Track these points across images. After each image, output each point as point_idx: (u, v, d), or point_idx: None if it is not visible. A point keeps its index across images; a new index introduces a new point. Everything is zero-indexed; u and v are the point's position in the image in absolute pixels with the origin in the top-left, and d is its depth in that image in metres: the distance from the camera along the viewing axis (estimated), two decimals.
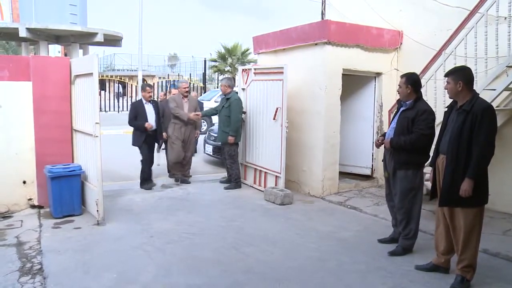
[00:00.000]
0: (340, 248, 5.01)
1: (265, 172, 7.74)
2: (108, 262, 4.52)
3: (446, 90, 4.17)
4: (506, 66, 5.66)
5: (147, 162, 7.84)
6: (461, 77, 3.97)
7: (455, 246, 4.10)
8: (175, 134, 8.03)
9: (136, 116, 7.76)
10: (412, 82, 4.70)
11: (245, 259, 4.68)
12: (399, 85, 4.86)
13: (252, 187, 8.05)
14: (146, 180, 7.90)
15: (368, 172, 8.26)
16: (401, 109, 4.83)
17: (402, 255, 4.78)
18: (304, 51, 7.65)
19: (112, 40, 17.89)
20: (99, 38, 16.16)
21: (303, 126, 7.63)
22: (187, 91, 8.26)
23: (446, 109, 4.30)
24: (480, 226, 4.00)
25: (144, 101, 7.86)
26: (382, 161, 5.12)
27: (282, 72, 7.22)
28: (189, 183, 8.25)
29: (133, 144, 7.82)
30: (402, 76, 4.84)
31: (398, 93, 4.93)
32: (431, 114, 4.67)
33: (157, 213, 6.30)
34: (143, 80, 22.75)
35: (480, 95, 6.01)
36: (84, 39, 16.59)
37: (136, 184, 7.89)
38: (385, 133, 5.05)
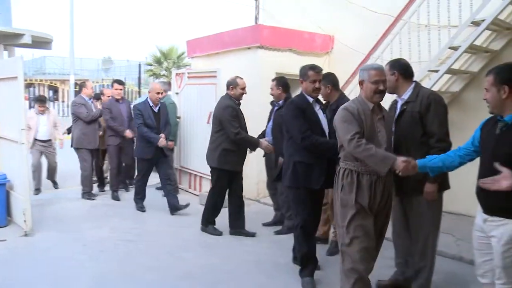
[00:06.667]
0: (277, 250, 5.07)
1: (200, 176, 7.66)
2: (37, 275, 4.30)
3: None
4: (428, 71, 6.01)
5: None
6: (329, 81, 4.70)
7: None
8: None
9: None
10: (281, 84, 5.51)
11: (182, 264, 4.65)
12: (271, 87, 5.60)
13: (188, 191, 7.98)
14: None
15: None
16: (275, 108, 5.60)
17: (286, 234, 5.42)
18: (238, 55, 7.71)
19: (42, 42, 17.18)
20: (27, 39, 15.47)
21: None
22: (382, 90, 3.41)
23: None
24: None
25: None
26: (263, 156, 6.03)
27: (215, 76, 7.21)
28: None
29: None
30: (273, 80, 5.60)
31: (272, 95, 5.64)
32: None
33: (90, 221, 6.10)
34: (75, 84, 21.85)
35: None
36: (9, 40, 15.80)
37: (72, 192, 7.55)
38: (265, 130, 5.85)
